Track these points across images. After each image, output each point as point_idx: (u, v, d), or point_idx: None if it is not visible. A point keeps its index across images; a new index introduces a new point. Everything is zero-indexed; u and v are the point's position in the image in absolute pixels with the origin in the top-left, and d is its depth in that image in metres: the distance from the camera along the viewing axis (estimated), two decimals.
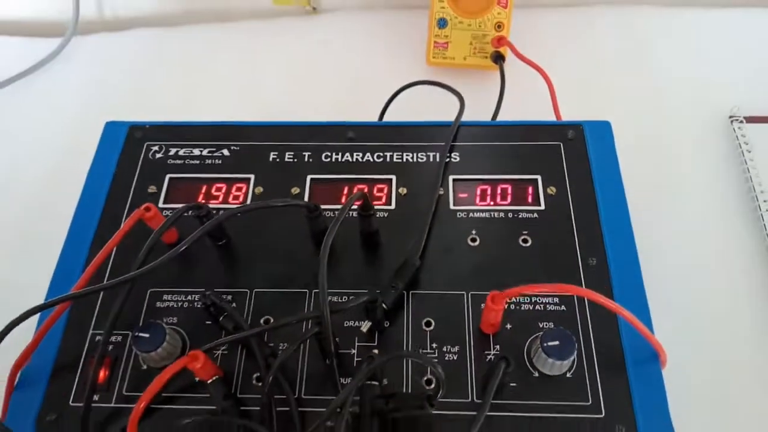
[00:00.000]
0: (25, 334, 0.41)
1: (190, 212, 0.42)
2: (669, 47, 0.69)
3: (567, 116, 0.56)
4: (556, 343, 0.38)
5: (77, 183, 0.50)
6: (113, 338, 0.42)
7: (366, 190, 0.48)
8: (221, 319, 0.41)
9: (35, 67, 0.76)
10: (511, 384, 0.39)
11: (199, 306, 0.43)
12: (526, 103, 0.59)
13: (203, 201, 0.48)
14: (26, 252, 0.60)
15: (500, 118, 0.60)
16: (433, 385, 0.39)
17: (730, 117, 0.62)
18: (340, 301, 0.42)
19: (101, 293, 0.44)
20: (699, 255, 0.55)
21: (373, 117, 0.62)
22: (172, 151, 0.51)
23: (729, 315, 0.52)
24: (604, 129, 0.51)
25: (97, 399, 0.40)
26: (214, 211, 0.44)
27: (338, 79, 0.72)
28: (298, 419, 0.38)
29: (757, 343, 0.50)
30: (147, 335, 0.39)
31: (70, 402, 0.40)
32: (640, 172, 0.51)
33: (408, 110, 0.61)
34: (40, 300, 0.42)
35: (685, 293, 0.52)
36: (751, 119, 0.62)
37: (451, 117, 0.53)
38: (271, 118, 0.54)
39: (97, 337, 0.42)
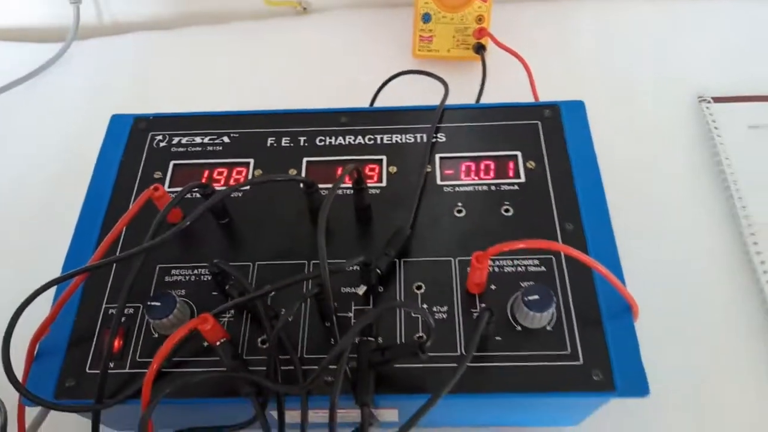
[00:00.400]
0: (42, 308, 0.44)
1: (195, 191, 0.46)
2: (641, 35, 0.73)
3: (544, 99, 0.59)
4: (536, 297, 0.41)
5: (82, 182, 0.53)
6: (126, 311, 0.45)
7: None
8: (227, 287, 0.44)
9: (37, 71, 0.80)
10: (497, 338, 0.42)
11: (205, 279, 0.46)
12: (506, 88, 0.63)
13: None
14: (33, 247, 0.63)
15: (483, 101, 0.64)
16: (424, 337, 0.42)
17: (699, 98, 0.66)
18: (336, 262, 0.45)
19: (113, 268, 0.47)
20: (670, 228, 0.59)
21: (365, 105, 0.66)
22: (176, 139, 0.55)
23: (698, 280, 0.56)
24: (578, 108, 0.54)
25: (112, 366, 0.43)
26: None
27: (330, 75, 0.76)
28: (301, 374, 0.41)
29: (722, 302, 0.54)
30: (158, 304, 0.42)
31: (87, 369, 0.43)
32: (614, 150, 0.55)
33: (397, 99, 0.64)
34: None
35: (658, 262, 0.56)
36: (718, 99, 0.66)
37: (437, 103, 0.56)
38: (265, 106, 0.58)
39: (110, 311, 0.45)
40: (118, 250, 0.48)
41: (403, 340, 0.43)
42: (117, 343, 0.44)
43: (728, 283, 0.56)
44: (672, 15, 0.74)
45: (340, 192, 0.50)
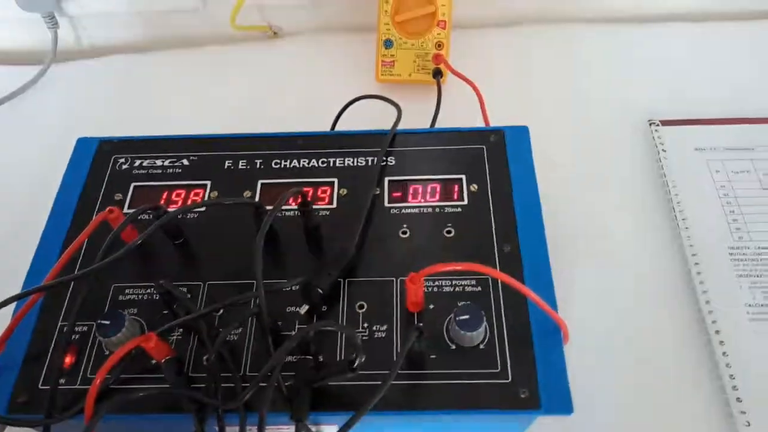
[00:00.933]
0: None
1: (148, 213, 0.48)
2: (593, 59, 0.76)
3: (497, 123, 0.62)
4: (466, 317, 0.43)
5: (50, 204, 0.56)
6: (80, 328, 0.47)
7: (310, 192, 0.54)
8: (175, 306, 0.46)
9: (16, 93, 0.82)
10: (432, 356, 0.44)
11: (157, 298, 0.48)
12: (461, 113, 0.65)
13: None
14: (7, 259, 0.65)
15: (438, 125, 0.66)
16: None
17: (649, 121, 0.69)
18: (277, 281, 0.47)
19: (70, 287, 0.49)
20: (614, 248, 0.61)
21: (327, 128, 0.68)
22: (137, 162, 0.57)
23: (640, 301, 0.58)
24: (522, 133, 0.57)
25: (63, 382, 0.44)
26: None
27: (297, 96, 0.78)
28: (240, 390, 0.43)
29: (663, 324, 0.56)
30: (108, 322, 0.44)
31: (39, 385, 0.45)
32: (562, 172, 0.57)
33: (359, 121, 0.67)
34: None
35: (596, 282, 0.58)
36: (666, 122, 0.68)
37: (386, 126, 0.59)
38: (235, 131, 0.60)
39: (65, 328, 0.47)
40: (77, 269, 0.50)
41: (342, 358, 0.45)
42: (68, 360, 0.45)
43: (669, 305, 0.58)
44: (625, 40, 0.77)
45: (292, 214, 0.53)
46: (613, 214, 0.63)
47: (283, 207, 0.53)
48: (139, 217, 0.49)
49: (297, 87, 0.79)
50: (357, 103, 0.68)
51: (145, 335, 0.41)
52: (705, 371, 0.55)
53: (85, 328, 0.47)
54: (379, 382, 0.43)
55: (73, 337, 0.46)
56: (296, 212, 0.52)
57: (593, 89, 0.73)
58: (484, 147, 0.56)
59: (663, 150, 0.66)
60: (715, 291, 0.56)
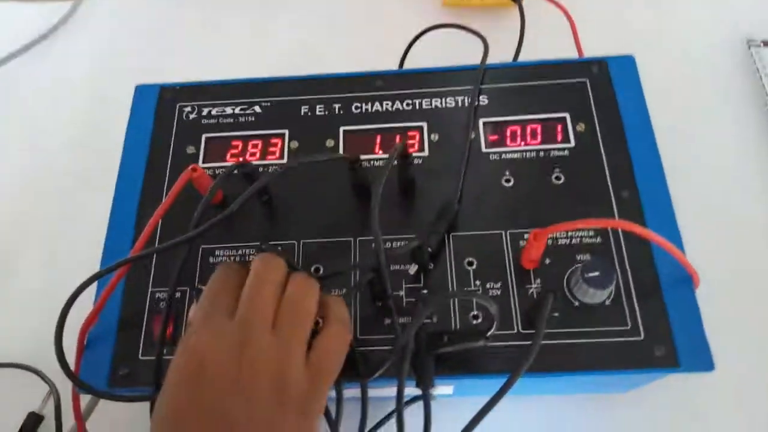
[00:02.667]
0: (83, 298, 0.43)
1: (236, 171, 0.44)
2: None
3: (589, 53, 0.56)
4: (597, 273, 0.40)
5: (105, 140, 0.52)
6: (165, 294, 0.44)
7: (399, 139, 0.50)
8: None
9: (50, 31, 0.76)
10: (554, 314, 0.41)
11: (251, 260, 0.45)
12: (547, 42, 0.59)
13: (241, 159, 0.50)
14: (61, 218, 0.63)
15: (521, 58, 0.60)
16: (480, 320, 0.41)
17: (748, 42, 0.63)
18: (389, 247, 0.44)
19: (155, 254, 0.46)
20: (720, 178, 0.56)
21: (392, 64, 0.63)
22: (205, 111, 0.52)
23: (749, 230, 0.54)
24: (628, 64, 0.51)
25: (165, 352, 0.42)
26: (259, 168, 0.46)
27: (354, 27, 0.72)
28: (360, 359, 0.40)
29: None
30: None
31: (140, 356, 0.43)
32: (663, 104, 0.52)
33: (425, 56, 0.61)
34: (89, 258, 0.45)
35: (711, 217, 0.54)
36: None
37: (468, 60, 0.53)
38: (290, 73, 0.54)
39: (157, 295, 0.45)
40: (157, 233, 0.46)
41: (457, 320, 0.42)
42: (169, 330, 0.43)
43: None
44: None
45: (380, 163, 0.49)
46: (714, 141, 0.58)
47: (370, 156, 0.49)
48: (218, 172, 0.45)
49: (353, 17, 0.72)
50: (422, 36, 0.62)
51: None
52: None
53: (179, 294, 0.45)
54: (501, 343, 0.41)
55: (171, 304, 0.43)
56: (388, 162, 0.48)
57: (685, 11, 0.66)
58: (586, 81, 0.51)
59: (766, 75, 0.60)
60: None
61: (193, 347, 0.33)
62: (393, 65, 0.63)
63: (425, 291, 0.42)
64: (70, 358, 0.42)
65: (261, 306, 0.34)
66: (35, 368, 0.54)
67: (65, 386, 0.50)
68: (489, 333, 0.36)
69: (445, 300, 0.36)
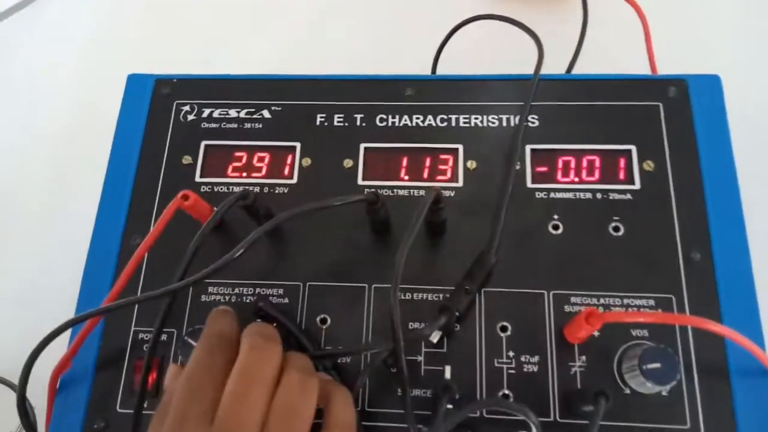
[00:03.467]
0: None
1: (239, 203, 0.37)
2: None
3: (663, 69, 0.46)
4: (657, 365, 0.33)
5: (92, 138, 0.45)
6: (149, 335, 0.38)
7: (428, 162, 0.42)
8: (275, 325, 0.37)
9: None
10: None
11: (248, 300, 0.39)
12: (610, 50, 0.49)
13: (245, 174, 0.43)
14: (46, 200, 0.57)
15: (578, 68, 0.51)
16: (510, 398, 0.35)
17: None
18: (412, 328, 0.37)
19: (140, 285, 0.40)
20: None
21: (423, 62, 0.54)
22: (206, 112, 0.45)
23: None
24: (712, 85, 0.42)
25: (146, 406, 0.37)
26: (258, 188, 0.40)
27: (377, 16, 0.62)
28: None
29: None
30: (195, 343, 0.35)
31: (118, 408, 0.37)
32: (751, 142, 0.43)
33: (462, 59, 0.52)
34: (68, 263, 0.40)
35: None
36: None
37: (510, 66, 0.44)
38: (305, 69, 0.46)
39: (140, 335, 0.39)
40: (144, 263, 0.40)
41: (483, 393, 0.35)
42: (151, 378, 0.38)
43: None
44: None
45: (404, 193, 0.41)
46: None
47: (394, 183, 0.42)
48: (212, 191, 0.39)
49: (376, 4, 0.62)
50: (459, 29, 0.52)
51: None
52: None
53: (165, 336, 0.39)
54: None
55: (154, 352, 0.37)
56: (413, 191, 0.41)
57: None
58: (660, 105, 0.42)
59: None
60: None
61: None
62: (426, 61, 0.54)
63: (448, 369, 0.36)
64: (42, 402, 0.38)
65: (247, 412, 0.28)
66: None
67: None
68: None
69: (474, 409, 0.30)
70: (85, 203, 0.43)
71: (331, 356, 0.36)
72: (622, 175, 0.41)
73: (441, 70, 0.53)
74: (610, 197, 0.40)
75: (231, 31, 0.63)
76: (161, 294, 0.33)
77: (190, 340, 0.36)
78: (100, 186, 0.43)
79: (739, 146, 0.40)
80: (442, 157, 0.42)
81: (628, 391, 0.35)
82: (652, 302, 0.37)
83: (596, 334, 0.36)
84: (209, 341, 0.31)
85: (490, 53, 0.47)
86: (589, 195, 0.40)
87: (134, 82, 0.47)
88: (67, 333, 0.37)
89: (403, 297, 0.38)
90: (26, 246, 0.56)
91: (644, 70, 0.48)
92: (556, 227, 0.39)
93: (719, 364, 0.35)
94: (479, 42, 0.52)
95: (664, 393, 0.35)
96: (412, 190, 0.41)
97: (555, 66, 0.48)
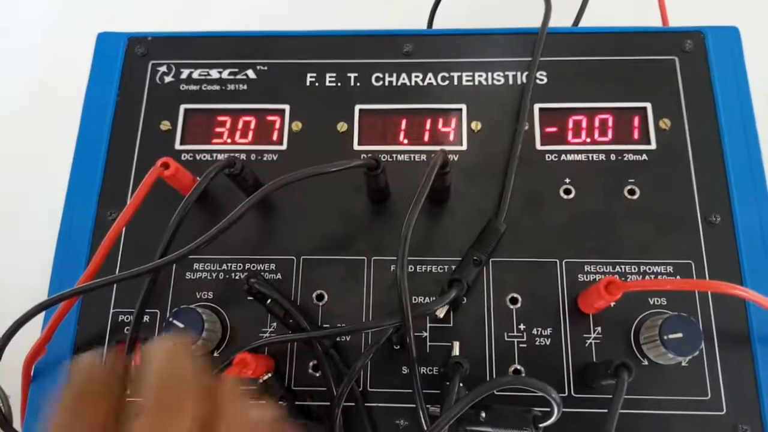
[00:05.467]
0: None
1: (225, 172, 0.34)
2: None
3: (676, 22, 0.43)
4: (679, 335, 0.31)
5: (61, 106, 0.42)
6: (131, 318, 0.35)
7: (428, 123, 0.39)
8: (269, 302, 0.34)
9: None
10: None
11: (236, 278, 0.36)
12: (618, 2, 0.46)
13: (229, 140, 0.39)
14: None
15: (584, 22, 0.47)
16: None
17: None
18: (419, 302, 0.34)
19: (118, 262, 0.37)
20: None
21: (418, 16, 0.50)
22: (185, 72, 0.41)
23: None
24: (731, 37, 0.40)
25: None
26: (245, 155, 0.37)
27: None
28: (368, 422, 0.32)
29: None
30: (182, 325, 0.33)
31: None
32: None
33: (459, 15, 0.48)
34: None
35: None
36: None
37: (518, 20, 0.41)
38: (293, 25, 0.43)
39: (120, 317, 0.36)
40: (122, 238, 0.37)
41: (493, 370, 0.33)
42: (135, 362, 0.35)
43: None
44: None
45: (404, 158, 0.38)
46: None
47: (392, 147, 0.39)
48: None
49: None
50: None
51: (240, 360, 0.30)
52: None
53: (147, 318, 0.36)
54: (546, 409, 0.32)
55: (138, 333, 0.34)
56: (414, 155, 0.38)
57: None
58: (675, 59, 0.39)
59: None
60: None
61: None
62: (422, 15, 0.50)
63: (457, 346, 0.33)
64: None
65: None
66: None
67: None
68: (542, 424, 0.28)
69: (491, 389, 0.28)
70: (55, 177, 0.40)
71: (331, 335, 0.33)
72: (636, 135, 0.38)
73: (437, 25, 0.50)
74: (625, 158, 0.37)
75: None
76: (142, 272, 0.30)
77: (176, 322, 0.33)
78: (71, 157, 0.39)
79: (760, 102, 0.38)
80: (445, 118, 0.39)
81: (646, 363, 0.33)
82: (670, 269, 0.35)
83: (612, 303, 0.34)
84: (70, 395, 0.21)
85: (492, 4, 0.44)
86: (602, 156, 0.38)
87: (105, 41, 0.43)
88: (40, 318, 0.35)
89: (409, 269, 0.36)
90: None
91: (656, 23, 0.45)
92: (567, 191, 0.37)
93: (741, 332, 0.33)
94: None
95: (684, 363, 0.33)
96: (412, 155, 0.38)
97: (562, 19, 0.45)
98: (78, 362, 0.22)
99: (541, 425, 0.28)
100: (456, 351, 0.33)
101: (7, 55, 0.59)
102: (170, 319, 0.33)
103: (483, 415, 0.30)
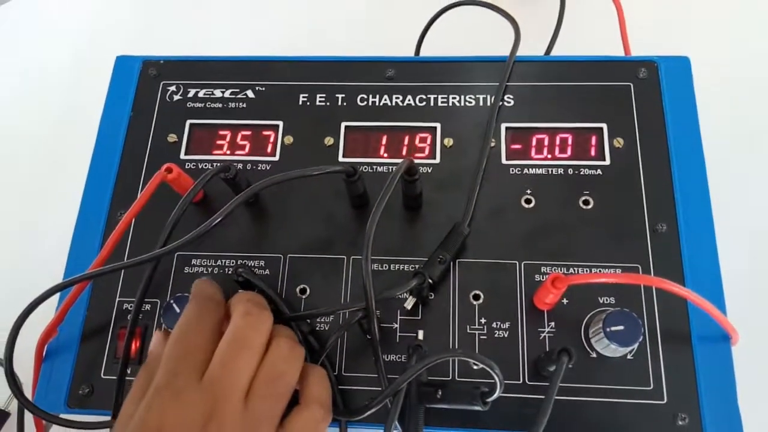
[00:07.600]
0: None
1: (221, 175, 0.38)
2: None
3: (637, 53, 0.48)
4: (620, 328, 0.34)
5: (81, 119, 0.47)
6: (143, 306, 0.40)
7: (406, 140, 0.43)
8: (255, 291, 0.38)
9: None
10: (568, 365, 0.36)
11: (230, 272, 0.40)
12: (586, 34, 0.51)
13: (228, 151, 0.44)
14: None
15: (555, 51, 0.52)
16: (478, 367, 0.36)
17: None
18: (385, 288, 0.38)
19: (125, 256, 0.41)
20: None
21: (406, 46, 0.55)
22: (191, 92, 0.46)
23: None
24: (681, 67, 0.44)
25: (129, 372, 0.38)
26: (242, 165, 0.41)
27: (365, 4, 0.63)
28: (340, 400, 0.36)
29: None
30: (178, 310, 0.37)
31: (102, 374, 0.39)
32: (718, 122, 0.45)
33: (446, 44, 0.53)
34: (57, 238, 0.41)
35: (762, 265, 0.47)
36: None
37: (493, 50, 0.46)
38: (291, 51, 0.48)
39: (125, 305, 0.40)
40: (129, 237, 0.42)
41: (456, 368, 0.37)
42: (134, 346, 0.39)
43: None
44: None
45: (383, 169, 0.43)
46: None
47: (373, 160, 0.43)
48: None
49: None
50: (441, 15, 0.53)
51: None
52: None
53: (148, 307, 0.40)
54: (503, 395, 0.36)
55: (138, 319, 0.38)
56: (391, 167, 0.42)
57: (755, 10, 0.56)
58: (630, 85, 0.44)
59: None
60: None
61: (151, 419, 0.28)
62: (407, 48, 0.55)
63: (422, 332, 0.37)
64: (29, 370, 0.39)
65: (236, 374, 0.29)
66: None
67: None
68: (489, 398, 0.31)
69: (442, 359, 0.31)
70: (74, 180, 0.44)
71: (306, 317, 0.37)
72: (593, 152, 0.42)
73: (424, 54, 0.55)
74: (581, 173, 0.41)
75: (216, 15, 0.65)
76: (146, 260, 0.35)
77: (174, 305, 0.37)
78: (89, 163, 0.44)
79: (706, 123, 0.42)
80: (421, 135, 0.44)
81: (594, 355, 0.37)
82: (619, 271, 0.38)
83: (565, 301, 0.38)
84: (199, 303, 0.32)
85: (473, 38, 0.49)
86: (561, 170, 0.42)
87: (122, 63, 0.48)
88: (54, 303, 0.39)
89: (380, 268, 0.40)
90: (16, 222, 0.58)
91: (620, 53, 0.50)
92: (528, 201, 0.41)
93: (682, 329, 0.37)
94: (461, 27, 0.54)
95: (629, 356, 0.36)
96: (390, 167, 0.43)
97: (534, 51, 0.50)
98: (199, 283, 0.34)
99: (488, 399, 0.31)
100: (420, 337, 0.37)
101: (42, 73, 0.65)
102: (170, 302, 0.37)
103: (440, 393, 0.33)
